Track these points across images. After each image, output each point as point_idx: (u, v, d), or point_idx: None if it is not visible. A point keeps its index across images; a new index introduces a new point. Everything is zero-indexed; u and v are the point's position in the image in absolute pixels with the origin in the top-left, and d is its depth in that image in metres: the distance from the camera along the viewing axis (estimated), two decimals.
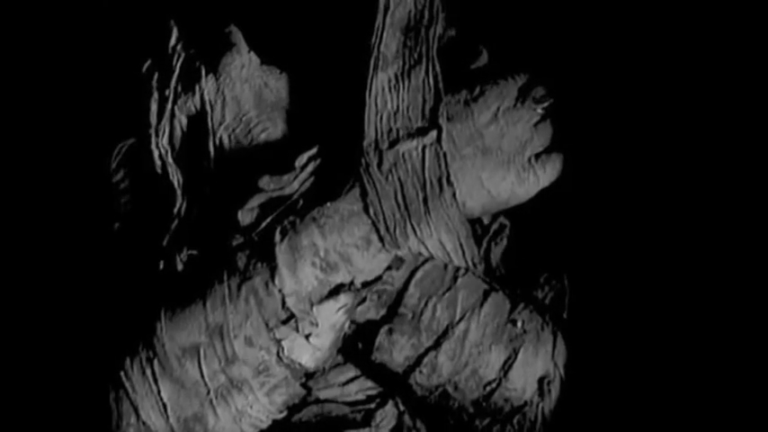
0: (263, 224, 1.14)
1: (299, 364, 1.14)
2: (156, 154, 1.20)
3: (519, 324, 1.19)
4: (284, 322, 1.12)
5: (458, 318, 1.18)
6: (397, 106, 1.16)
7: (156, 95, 1.21)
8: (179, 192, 1.19)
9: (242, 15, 1.25)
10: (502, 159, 1.17)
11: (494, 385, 1.18)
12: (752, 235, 1.22)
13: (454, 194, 1.15)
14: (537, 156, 1.19)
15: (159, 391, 1.12)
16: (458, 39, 1.24)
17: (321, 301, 1.13)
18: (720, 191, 1.24)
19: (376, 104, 1.16)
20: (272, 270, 1.12)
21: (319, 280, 1.13)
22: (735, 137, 1.25)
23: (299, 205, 1.15)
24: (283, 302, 1.12)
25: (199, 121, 1.20)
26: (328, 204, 1.14)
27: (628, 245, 1.26)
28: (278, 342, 1.12)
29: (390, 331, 1.18)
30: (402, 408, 1.21)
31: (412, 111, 1.16)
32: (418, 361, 1.18)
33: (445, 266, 1.17)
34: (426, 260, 1.17)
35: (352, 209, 1.14)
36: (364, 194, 1.15)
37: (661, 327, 1.24)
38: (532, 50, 1.27)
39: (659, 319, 1.24)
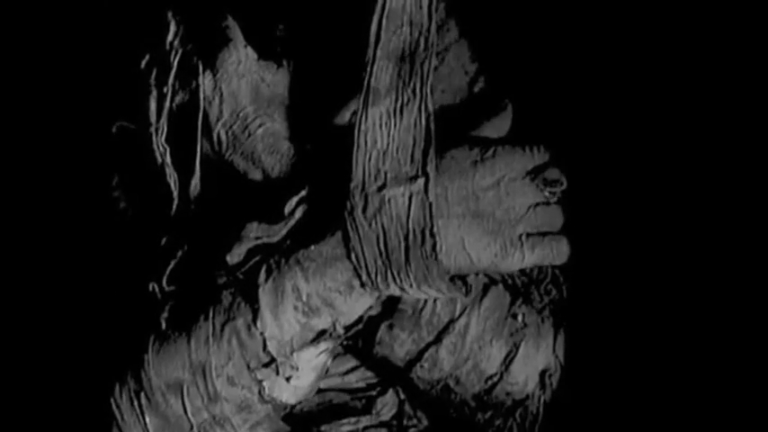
0: (249, 264, 1.14)
1: (281, 401, 1.14)
2: (156, 153, 1.19)
3: (519, 318, 1.19)
4: (265, 365, 1.13)
5: (458, 312, 1.18)
6: (387, 145, 1.12)
7: (154, 93, 1.20)
8: (176, 193, 1.19)
9: (239, 7, 1.24)
10: (491, 228, 1.12)
11: (495, 379, 1.18)
12: (751, 234, 1.21)
13: (434, 246, 1.10)
14: (530, 235, 1.13)
15: (146, 424, 1.13)
16: (485, 89, 1.21)
17: (302, 347, 1.13)
18: (720, 192, 1.23)
19: (366, 143, 1.12)
20: (255, 312, 1.12)
21: (301, 324, 1.12)
22: (733, 142, 1.23)
23: (286, 245, 1.14)
24: (264, 346, 1.12)
25: (197, 118, 1.19)
26: (312, 247, 1.12)
27: (627, 242, 1.25)
28: (259, 382, 1.13)
29: (391, 326, 1.18)
30: (402, 396, 1.22)
31: (401, 152, 1.12)
32: (419, 356, 1.18)
33: None
34: None
35: (335, 253, 1.12)
36: (347, 239, 1.12)
37: (661, 319, 1.23)
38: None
39: (658, 312, 1.23)
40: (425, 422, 1.23)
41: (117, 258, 1.21)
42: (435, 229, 1.10)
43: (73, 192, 1.28)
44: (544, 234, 1.13)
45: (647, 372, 1.23)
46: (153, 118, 1.20)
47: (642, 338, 1.23)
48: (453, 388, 1.18)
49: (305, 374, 1.14)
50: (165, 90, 1.20)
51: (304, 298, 1.12)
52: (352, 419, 1.22)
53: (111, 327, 1.18)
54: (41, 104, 1.35)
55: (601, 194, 1.24)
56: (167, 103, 1.19)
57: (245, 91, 1.19)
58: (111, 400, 1.13)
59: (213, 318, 1.13)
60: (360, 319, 1.16)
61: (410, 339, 1.18)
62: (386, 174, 1.11)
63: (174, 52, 1.20)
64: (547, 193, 1.13)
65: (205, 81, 1.19)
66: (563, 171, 1.13)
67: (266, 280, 1.12)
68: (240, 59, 1.19)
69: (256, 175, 1.18)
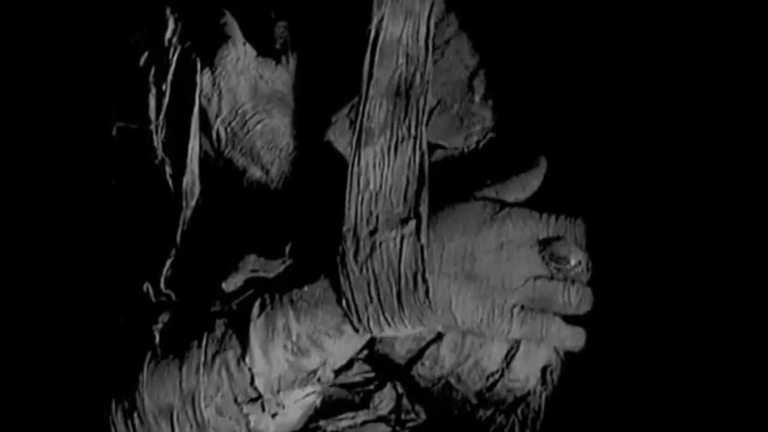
0: (244, 296, 1.13)
1: None
2: (158, 151, 1.19)
3: None
4: (252, 400, 1.12)
5: None
6: (380, 186, 1.10)
7: (153, 91, 1.20)
8: (173, 191, 1.18)
9: (238, 4, 1.23)
10: (482, 293, 1.09)
11: (496, 376, 1.18)
12: (751, 235, 1.20)
13: (427, 292, 1.09)
14: (523, 307, 1.11)
15: None
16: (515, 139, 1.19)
17: (289, 386, 1.13)
18: (720, 192, 1.22)
19: (358, 184, 1.10)
20: (245, 347, 1.12)
21: (290, 363, 1.12)
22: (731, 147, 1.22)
23: (282, 281, 1.13)
24: (252, 381, 1.12)
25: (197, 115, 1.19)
26: (306, 288, 1.12)
27: (626, 239, 1.24)
28: (246, 416, 1.13)
29: None
30: (401, 391, 1.22)
31: (394, 192, 1.10)
32: (420, 353, 1.18)
33: None
34: None
35: (326, 295, 1.11)
36: (336, 285, 1.10)
37: (661, 315, 1.23)
38: None
39: (659, 308, 1.23)
40: (423, 416, 1.23)
41: (116, 260, 1.21)
42: (427, 274, 1.08)
43: (71, 191, 1.28)
44: (537, 311, 1.10)
45: (648, 366, 1.23)
46: (153, 115, 1.20)
47: (643, 333, 1.23)
48: (455, 385, 1.18)
49: (291, 412, 1.14)
50: (163, 88, 1.19)
51: (294, 338, 1.11)
52: (350, 414, 1.22)
53: (111, 336, 1.18)
54: (39, 103, 1.34)
55: (599, 190, 1.23)
56: (166, 101, 1.19)
57: (243, 88, 1.19)
58: (108, 416, 1.14)
59: (206, 347, 1.13)
60: (351, 362, 1.16)
61: (411, 337, 1.18)
62: (378, 217, 1.10)
63: (172, 49, 1.20)
64: (552, 268, 1.10)
65: (203, 78, 1.19)
66: (585, 250, 1.11)
67: (258, 315, 1.12)
68: (239, 56, 1.19)
69: (255, 172, 1.18)
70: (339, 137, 1.19)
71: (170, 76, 1.19)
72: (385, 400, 1.22)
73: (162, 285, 1.15)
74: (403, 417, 1.23)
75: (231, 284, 1.13)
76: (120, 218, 1.22)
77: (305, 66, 1.22)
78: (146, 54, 1.21)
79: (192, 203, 1.18)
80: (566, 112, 1.22)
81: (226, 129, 1.19)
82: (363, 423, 1.22)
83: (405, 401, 1.22)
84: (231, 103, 1.19)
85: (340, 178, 1.11)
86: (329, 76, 1.21)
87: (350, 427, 1.21)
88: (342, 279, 1.10)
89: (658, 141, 1.24)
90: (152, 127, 1.19)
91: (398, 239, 1.09)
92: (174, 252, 1.16)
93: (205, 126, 1.19)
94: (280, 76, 1.21)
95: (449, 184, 1.17)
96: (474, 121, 1.23)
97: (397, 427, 1.23)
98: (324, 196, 1.15)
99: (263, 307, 1.12)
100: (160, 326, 1.14)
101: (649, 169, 1.24)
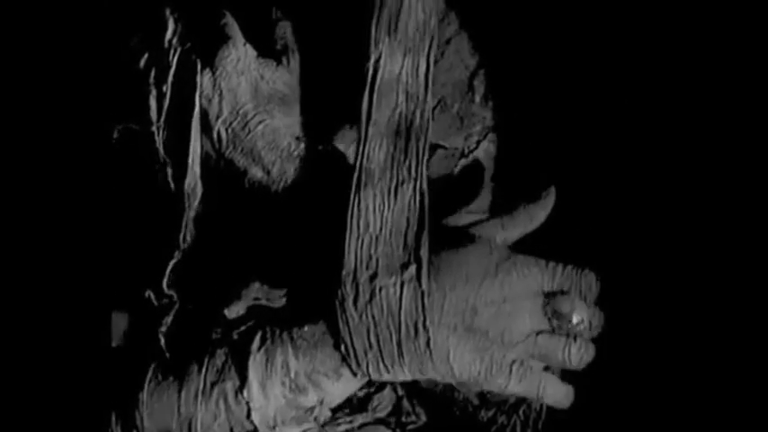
0: (246, 326, 1.13)
1: None
2: (159, 153, 1.19)
3: None
4: None
5: None
6: (380, 229, 1.09)
7: (154, 92, 1.20)
8: (175, 193, 1.18)
9: (238, 5, 1.23)
10: (481, 345, 1.08)
11: None
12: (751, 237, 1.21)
13: (428, 342, 1.08)
14: (522, 362, 1.10)
15: None
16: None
17: (285, 422, 1.13)
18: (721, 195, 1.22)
19: (358, 227, 1.09)
20: (243, 380, 1.12)
21: (287, 399, 1.12)
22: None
23: (284, 314, 1.13)
24: (249, 415, 1.12)
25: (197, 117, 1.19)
26: (306, 327, 1.11)
27: (627, 241, 1.25)
28: None
29: None
30: (401, 392, 1.22)
31: (394, 236, 1.08)
32: None
33: None
34: None
35: (325, 338, 1.11)
36: (336, 329, 1.10)
37: (663, 316, 1.24)
38: None
39: (660, 309, 1.24)
40: (424, 418, 1.23)
41: (119, 263, 1.21)
42: (428, 322, 1.08)
43: (73, 195, 1.28)
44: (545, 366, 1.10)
45: (650, 367, 1.23)
46: (154, 117, 1.19)
47: (644, 334, 1.23)
48: (456, 386, 1.18)
49: None
50: (164, 89, 1.19)
51: (292, 375, 1.11)
52: (348, 417, 1.22)
53: (113, 343, 1.18)
54: (40, 105, 1.34)
55: (601, 192, 1.23)
56: (167, 102, 1.19)
57: (244, 88, 1.19)
58: (108, 430, 1.15)
59: (205, 374, 1.13)
60: (349, 400, 1.17)
61: None
62: (377, 261, 1.09)
63: (172, 51, 1.20)
64: (554, 324, 1.09)
65: (204, 79, 1.19)
66: (592, 304, 1.10)
67: (258, 349, 1.12)
68: (239, 57, 1.19)
69: (257, 172, 1.18)
70: (341, 136, 1.19)
71: (170, 78, 1.19)
72: (384, 402, 1.22)
73: (165, 287, 1.15)
74: (403, 419, 1.23)
75: (233, 312, 1.13)
76: (122, 221, 1.22)
77: (306, 66, 1.22)
78: (146, 55, 1.20)
79: (195, 205, 1.18)
80: (566, 112, 1.22)
81: (227, 129, 1.18)
82: (362, 426, 1.22)
83: (405, 403, 1.23)
84: (232, 103, 1.18)
85: (341, 180, 1.11)
86: (330, 76, 1.21)
87: (348, 430, 1.21)
88: (341, 324, 1.10)
89: (659, 142, 1.24)
90: (153, 129, 1.19)
91: (398, 285, 1.08)
92: (177, 254, 1.16)
93: (206, 127, 1.19)
94: (281, 77, 1.20)
95: (450, 189, 1.18)
96: (474, 121, 1.23)
97: (398, 430, 1.23)
98: (324, 198, 1.15)
99: (263, 341, 1.12)
100: (164, 329, 1.14)
101: (649, 170, 1.24)
